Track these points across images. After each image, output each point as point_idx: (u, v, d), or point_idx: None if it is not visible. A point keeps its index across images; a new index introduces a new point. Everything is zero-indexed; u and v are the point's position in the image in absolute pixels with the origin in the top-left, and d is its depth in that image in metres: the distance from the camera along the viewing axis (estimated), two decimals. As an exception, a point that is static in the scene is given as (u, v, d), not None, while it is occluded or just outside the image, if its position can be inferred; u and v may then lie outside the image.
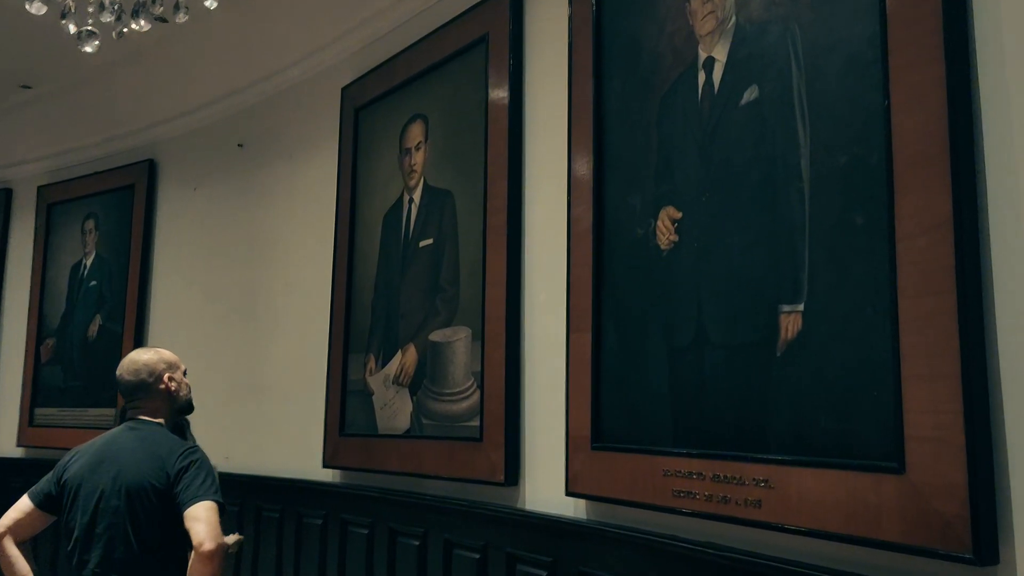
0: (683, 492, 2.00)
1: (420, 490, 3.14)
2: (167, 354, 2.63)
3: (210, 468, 2.45)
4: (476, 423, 2.85)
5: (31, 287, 5.54)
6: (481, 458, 2.80)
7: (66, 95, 5.08)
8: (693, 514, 1.97)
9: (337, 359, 3.65)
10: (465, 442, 2.88)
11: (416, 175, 3.35)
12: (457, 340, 3.01)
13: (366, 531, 3.38)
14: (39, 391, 5.36)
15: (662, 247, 2.17)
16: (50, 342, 5.37)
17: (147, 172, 5.02)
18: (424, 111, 3.35)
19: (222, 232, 4.58)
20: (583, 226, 2.46)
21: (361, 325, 3.57)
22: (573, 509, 2.48)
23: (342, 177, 3.81)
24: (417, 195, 3.34)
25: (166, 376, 2.56)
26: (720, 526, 1.94)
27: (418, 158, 3.35)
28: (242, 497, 4.01)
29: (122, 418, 3.49)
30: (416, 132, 3.38)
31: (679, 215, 2.12)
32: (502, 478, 2.69)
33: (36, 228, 5.60)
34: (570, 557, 2.44)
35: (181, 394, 2.61)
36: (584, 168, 2.49)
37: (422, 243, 3.26)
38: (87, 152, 5.38)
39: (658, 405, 2.13)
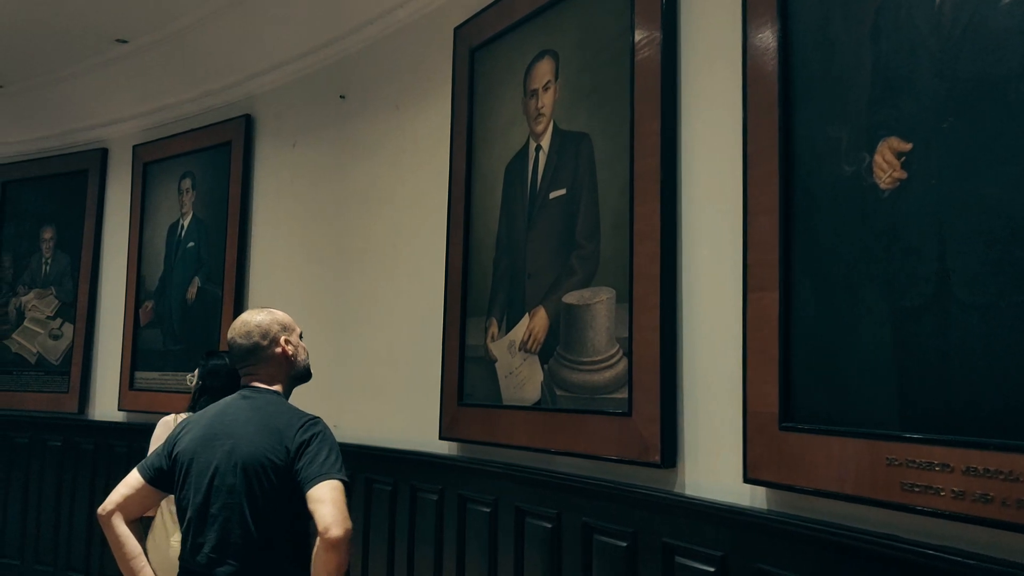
0: (918, 486, 1.63)
1: (552, 467, 2.84)
2: (281, 315, 2.36)
3: (334, 442, 2.19)
4: (623, 395, 2.52)
5: (128, 249, 5.44)
6: (630, 435, 2.47)
7: (161, 49, 4.90)
8: (933, 513, 1.60)
9: (454, 323, 3.36)
10: (609, 416, 2.56)
11: (544, 119, 3.01)
12: (597, 302, 2.68)
13: (488, 509, 3.11)
14: (139, 355, 5.26)
15: (882, 186, 1.78)
16: (149, 305, 5.26)
17: (244, 128, 4.80)
18: (553, 47, 2.99)
19: (324, 189, 4.33)
20: (765, 167, 2.08)
21: (480, 286, 3.27)
22: (750, 497, 2.13)
23: (456, 126, 3.49)
24: (546, 141, 3.00)
25: (282, 339, 2.30)
26: (973, 530, 1.57)
27: (546, 100, 3.01)
28: (352, 468, 3.71)
29: (201, 394, 3.32)
30: (544, 70, 3.03)
31: (907, 147, 1.73)
32: (658, 458, 2.36)
33: (132, 188, 5.48)
34: (745, 552, 2.11)
35: (299, 359, 2.35)
36: (765, 97, 2.10)
37: (553, 194, 2.92)
38: (182, 108, 5.21)
39: (877, 378, 1.76)
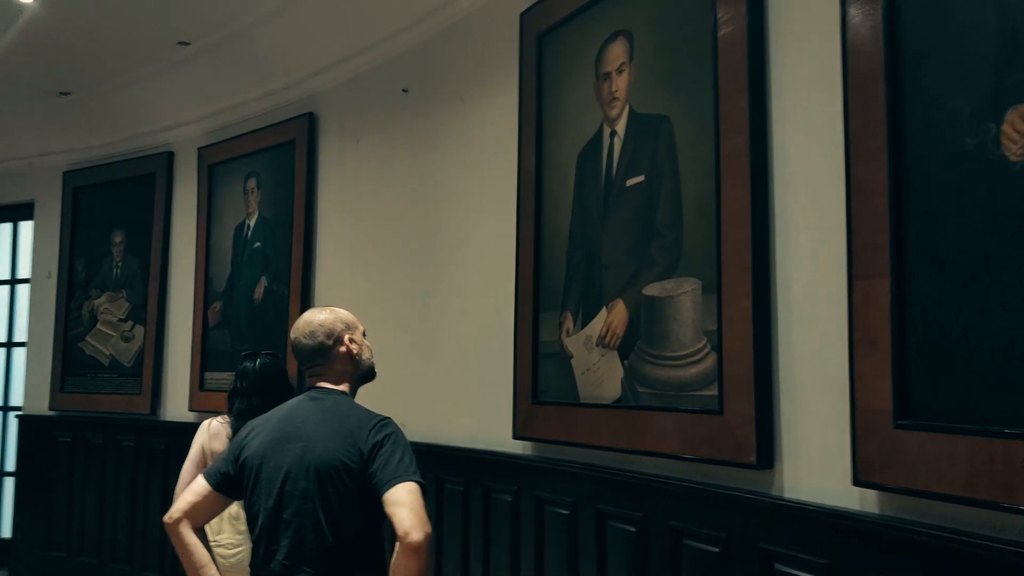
0: (1064, 491, 1.46)
1: (636, 468, 2.71)
2: (344, 313, 2.29)
3: (406, 442, 2.10)
4: (712, 392, 2.38)
5: (196, 250, 5.46)
6: (722, 434, 2.32)
7: (222, 50, 4.89)
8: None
9: (526, 318, 3.25)
10: (698, 414, 2.42)
11: (619, 103, 2.87)
12: (681, 294, 2.53)
13: (567, 511, 2.99)
14: (208, 355, 5.29)
15: (1012, 159, 1.61)
16: (217, 305, 5.27)
17: (307, 126, 4.77)
18: (626, 27, 2.85)
19: (389, 185, 4.26)
20: (871, 143, 1.91)
21: (553, 280, 3.15)
22: (859, 501, 1.97)
23: (524, 115, 3.37)
24: (621, 126, 2.86)
25: (346, 337, 2.22)
26: None
27: (620, 83, 2.87)
28: (421, 468, 3.67)
29: (232, 396, 3.26)
30: (617, 52, 2.89)
31: (1043, 114, 1.55)
32: (753, 458, 2.21)
33: (198, 190, 5.50)
34: (855, 559, 1.95)
35: (363, 358, 2.27)
36: (869, 67, 1.93)
37: (630, 181, 2.79)
38: (245, 109, 5.20)
39: (1012, 372, 1.58)
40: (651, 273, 2.65)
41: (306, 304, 4.57)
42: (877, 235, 1.87)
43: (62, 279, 6.19)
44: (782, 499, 2.18)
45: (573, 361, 2.99)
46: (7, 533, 6.28)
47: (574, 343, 3.00)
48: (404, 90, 4.17)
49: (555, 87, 3.22)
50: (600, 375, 2.85)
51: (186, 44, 4.87)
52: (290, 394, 2.65)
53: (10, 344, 6.67)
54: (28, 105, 5.85)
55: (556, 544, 3.03)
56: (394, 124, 4.25)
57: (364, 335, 2.31)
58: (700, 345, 2.44)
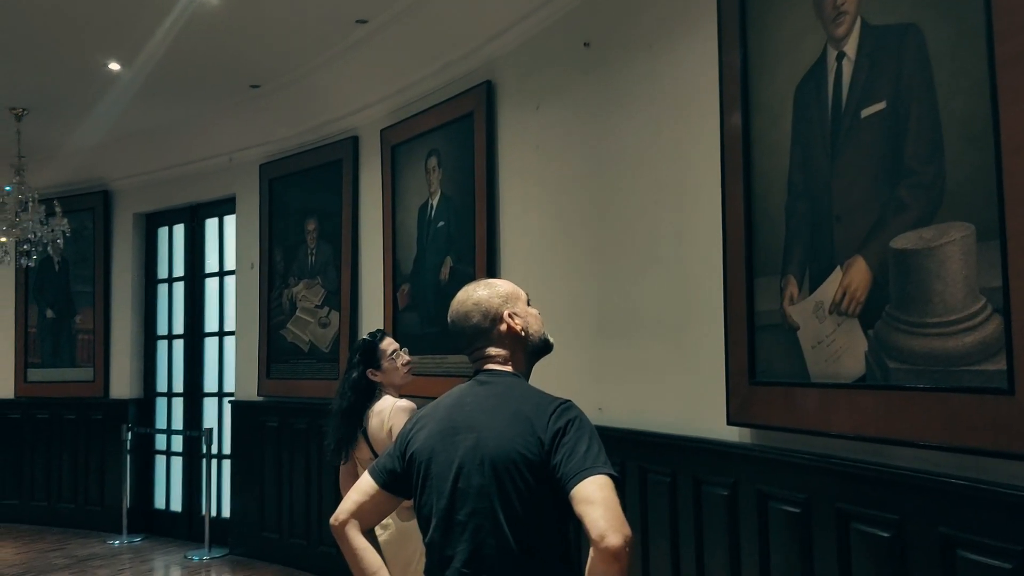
0: None
1: (887, 460, 2.22)
2: (502, 286, 1.99)
3: (592, 428, 1.79)
4: (996, 366, 1.86)
5: (383, 234, 5.41)
6: (1012, 420, 1.81)
7: (400, 25, 4.75)
8: None
9: (737, 286, 2.81)
10: (976, 394, 1.91)
11: (847, 17, 2.36)
12: (945, 244, 2.02)
13: (798, 510, 2.54)
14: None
15: None
16: (405, 288, 5.19)
17: (484, 95, 4.53)
18: (854, -76, 2.34)
19: (573, 150, 3.93)
20: None
21: (769, 240, 2.69)
22: None
23: (726, 54, 2.92)
24: (851, 45, 2.35)
25: (505, 313, 1.93)
26: None
27: (849, -6, 2.36)
28: (621, 456, 3.34)
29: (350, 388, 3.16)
30: (843, -43, 2.38)
31: None
32: (1062, 452, 1.69)
33: (382, 173, 5.44)
34: None
35: (531, 331, 1.96)
36: None
37: (866, 111, 2.28)
38: (424, 85, 5.05)
39: None
40: (901, 220, 2.14)
41: (492, 282, 4.35)
42: None
43: (263, 269, 6.40)
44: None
45: (800, 333, 2.53)
46: (227, 513, 6.61)
47: (800, 312, 2.53)
48: (586, 44, 3.81)
49: (763, 15, 2.75)
50: (836, 349, 2.37)
51: (364, 22, 4.78)
52: None
53: (221, 333, 7.01)
54: (224, 101, 6.06)
55: (784, 546, 2.60)
56: (575, 84, 3.91)
57: (528, 303, 2.01)
58: (977, 307, 1.92)
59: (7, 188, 5.93)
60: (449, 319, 2.00)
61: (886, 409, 2.17)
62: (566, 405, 1.82)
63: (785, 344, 2.59)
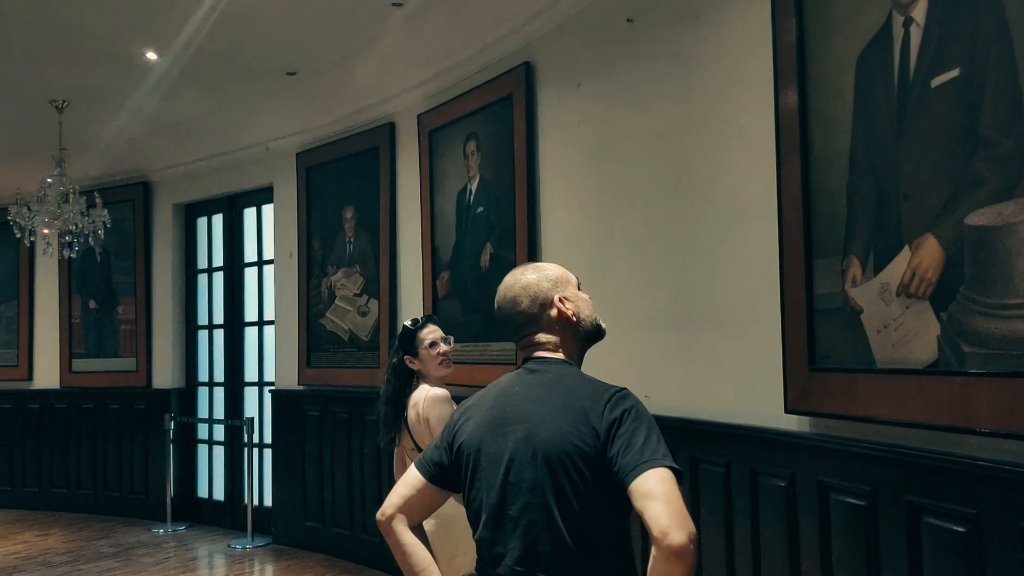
0: None
1: (963, 451, 2.10)
2: (552, 269, 1.89)
3: (650, 418, 1.68)
4: (1088, 350, 1.73)
5: (421, 220, 5.34)
6: (1109, 408, 1.68)
7: (436, 7, 4.65)
8: None
9: (796, 268, 2.69)
10: (1065, 381, 1.78)
11: (916, -19, 2.22)
12: (1028, 219, 1.88)
13: (863, 502, 2.43)
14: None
15: None
16: (445, 275, 5.12)
17: (524, 77, 4.43)
18: None
19: (616, 130, 3.81)
20: None
21: (830, 218, 2.56)
22: None
23: (779, 22, 2.79)
24: (919, 10, 2.21)
25: (555, 298, 1.84)
26: None
27: (916, -45, 2.22)
28: (672, 444, 3.21)
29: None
30: (910, -84, 2.24)
31: None
32: None
33: (420, 159, 5.37)
34: None
35: (583, 316, 1.86)
36: None
37: (937, 80, 2.15)
38: (462, 68, 4.96)
39: None
40: (977, 196, 2.01)
41: (534, 269, 4.25)
42: None
43: (301, 258, 6.37)
44: None
45: (864, 316, 2.41)
46: (269, 502, 6.63)
47: (864, 294, 2.41)
48: (629, 20, 3.69)
49: (820, -19, 2.61)
50: (905, 333, 2.24)
51: (399, 5, 4.69)
52: None
53: (261, 323, 7.01)
54: (260, 89, 6.01)
55: (849, 540, 2.48)
56: (618, 61, 3.79)
57: (579, 287, 1.92)
58: (1065, 287, 1.79)
59: (48, 180, 5.96)
60: (496, 305, 1.91)
61: (962, 396, 2.04)
62: (622, 393, 1.72)
63: (847, 328, 2.46)
